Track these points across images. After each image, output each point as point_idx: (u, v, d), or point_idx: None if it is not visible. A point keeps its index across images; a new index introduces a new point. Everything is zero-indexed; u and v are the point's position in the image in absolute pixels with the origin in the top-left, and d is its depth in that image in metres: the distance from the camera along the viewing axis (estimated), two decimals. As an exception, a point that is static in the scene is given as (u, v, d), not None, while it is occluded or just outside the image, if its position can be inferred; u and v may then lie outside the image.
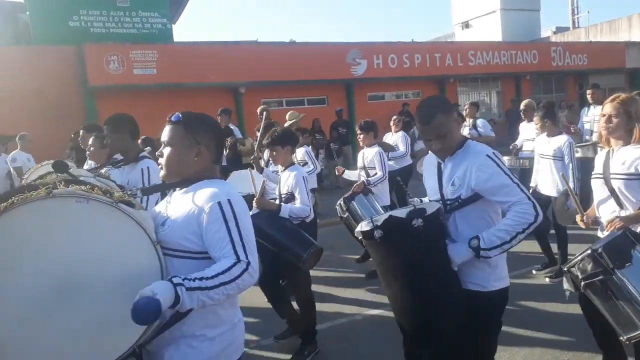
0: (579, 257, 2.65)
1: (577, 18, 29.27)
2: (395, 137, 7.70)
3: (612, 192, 2.97)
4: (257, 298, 5.08)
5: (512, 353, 3.91)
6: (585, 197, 4.98)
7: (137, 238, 1.74)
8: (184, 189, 1.96)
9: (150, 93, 13.33)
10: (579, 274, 2.64)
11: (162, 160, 1.99)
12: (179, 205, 1.91)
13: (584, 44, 22.77)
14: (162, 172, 2.01)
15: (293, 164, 4.24)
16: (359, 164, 6.03)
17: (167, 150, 1.98)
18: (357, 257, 6.42)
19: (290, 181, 4.04)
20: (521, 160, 6.85)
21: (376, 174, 5.75)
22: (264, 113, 8.71)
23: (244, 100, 14.90)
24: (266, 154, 5.41)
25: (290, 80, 15.36)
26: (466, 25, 28.98)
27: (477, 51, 18.90)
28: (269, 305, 4.25)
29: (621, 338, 2.55)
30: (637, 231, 2.78)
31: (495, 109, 20.32)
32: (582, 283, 2.63)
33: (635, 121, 2.94)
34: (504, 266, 2.58)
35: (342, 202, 5.14)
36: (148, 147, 4.87)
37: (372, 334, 4.49)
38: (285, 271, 4.13)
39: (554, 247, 5.61)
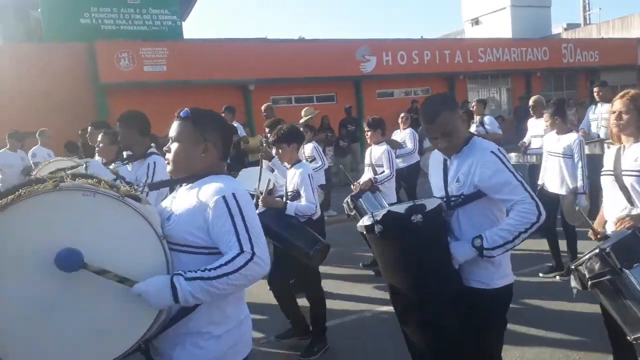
0: (587, 256, 2.63)
1: (589, 14, 29.00)
2: (403, 134, 7.68)
3: (623, 189, 2.94)
4: (264, 293, 5.13)
5: (522, 352, 3.89)
6: (593, 195, 4.96)
7: (143, 232, 1.75)
8: (190, 185, 1.98)
9: (160, 90, 13.41)
10: (586, 272, 2.62)
11: (169, 156, 2.01)
12: (184, 200, 1.92)
13: (596, 41, 22.58)
14: (169, 167, 2.03)
15: (299, 161, 4.24)
16: (366, 161, 6.02)
17: (174, 146, 2.00)
18: (366, 262, 6.35)
19: (296, 179, 4.05)
20: (529, 157, 6.82)
21: (384, 171, 5.74)
22: (268, 111, 8.77)
23: (253, 97, 14.94)
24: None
25: (299, 77, 15.39)
26: (476, 22, 28.80)
27: (487, 48, 18.81)
28: (270, 301, 4.26)
29: (628, 338, 2.54)
30: None
31: (505, 106, 20.22)
32: (590, 282, 2.62)
33: None
34: (508, 263, 2.57)
35: (349, 200, 5.13)
36: (152, 144, 4.90)
37: (381, 331, 4.50)
38: (294, 269, 4.15)
39: (562, 244, 5.57)
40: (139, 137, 3.83)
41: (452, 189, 2.53)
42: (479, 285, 2.48)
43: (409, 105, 15.08)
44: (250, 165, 8.36)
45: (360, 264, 6.22)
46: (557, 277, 5.39)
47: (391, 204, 5.40)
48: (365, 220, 2.48)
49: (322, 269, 5.40)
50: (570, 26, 29.17)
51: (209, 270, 1.73)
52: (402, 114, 7.87)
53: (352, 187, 5.49)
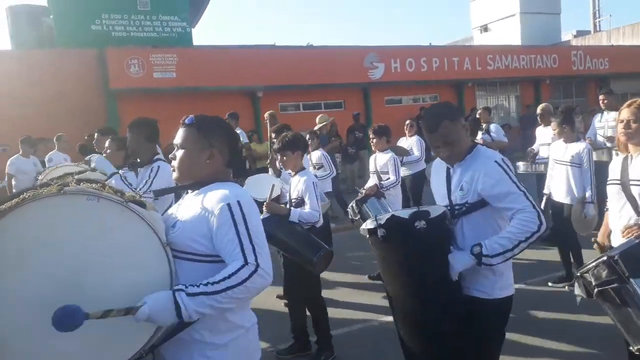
0: (594, 264, 2.61)
1: (599, 22, 28.80)
2: (409, 141, 7.65)
3: (630, 198, 2.91)
4: (270, 299, 5.14)
5: (528, 362, 3.87)
6: (601, 202, 4.92)
7: (147, 239, 1.74)
8: (196, 192, 1.97)
9: (169, 96, 13.49)
10: (592, 280, 2.59)
11: (174, 163, 2.01)
12: (189, 207, 1.91)
13: (606, 48, 22.44)
14: (174, 175, 2.02)
15: (303, 168, 4.25)
16: (371, 168, 6.04)
17: (180, 153, 1.99)
18: (372, 274, 6.31)
19: (300, 186, 4.06)
20: (537, 166, 6.78)
21: (389, 178, 5.74)
22: (271, 119, 8.81)
23: (261, 103, 15.00)
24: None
25: (308, 84, 15.42)
26: (485, 28, 28.73)
27: (496, 55, 18.74)
28: (278, 308, 4.25)
29: (631, 348, 2.52)
30: None
31: (514, 114, 20.12)
32: (595, 290, 2.59)
33: None
34: (510, 274, 2.56)
35: (354, 205, 5.14)
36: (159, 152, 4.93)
37: (388, 340, 4.47)
38: (296, 276, 4.15)
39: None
40: (145, 143, 3.87)
41: (456, 197, 2.53)
42: (480, 295, 2.48)
43: (417, 112, 15.06)
44: (253, 172, 8.39)
45: (367, 276, 6.20)
46: (567, 287, 5.34)
47: (395, 210, 5.41)
48: (369, 224, 2.49)
49: (330, 277, 5.41)
50: (580, 33, 29.00)
51: (212, 284, 1.71)
52: (408, 121, 7.85)
53: (359, 194, 5.49)
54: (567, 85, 21.28)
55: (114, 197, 1.70)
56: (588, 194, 5.07)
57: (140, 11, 14.78)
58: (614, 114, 5.91)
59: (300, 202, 4.07)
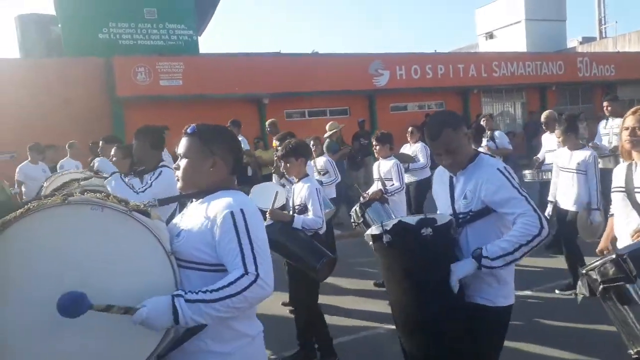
0: (600, 261, 2.59)
1: (605, 28, 28.73)
2: (414, 148, 7.61)
3: (636, 206, 2.90)
4: (275, 306, 5.13)
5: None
6: (608, 209, 4.90)
7: (151, 248, 1.74)
8: (200, 200, 1.97)
9: (176, 104, 13.58)
10: (598, 277, 2.57)
11: (178, 173, 2.01)
12: (193, 216, 1.91)
13: (612, 54, 22.39)
14: (179, 184, 2.03)
15: (307, 175, 4.27)
16: (375, 175, 6.06)
17: (183, 162, 2.00)
18: (378, 281, 6.28)
19: (303, 193, 4.07)
20: (543, 174, 6.76)
21: (393, 184, 5.76)
22: (272, 127, 8.85)
23: (267, 111, 15.06)
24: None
25: (313, 91, 15.48)
26: (490, 35, 28.73)
27: (502, 62, 18.76)
28: (283, 315, 4.24)
29: (630, 351, 2.51)
30: None
31: (520, 120, 20.09)
32: (600, 287, 2.58)
33: None
34: (512, 284, 2.56)
35: (357, 209, 5.16)
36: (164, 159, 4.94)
37: (394, 348, 4.46)
38: (301, 283, 4.16)
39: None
40: (151, 150, 3.91)
41: (459, 206, 2.54)
42: (483, 302, 2.48)
43: (422, 119, 15.06)
44: (260, 178, 8.40)
45: (373, 283, 6.20)
46: (573, 294, 5.31)
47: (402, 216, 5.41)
48: (374, 230, 2.49)
49: (336, 283, 5.39)
50: (586, 40, 28.95)
51: (211, 291, 1.70)
52: (410, 128, 7.78)
53: (361, 198, 5.50)
54: (573, 91, 21.23)
55: (118, 206, 1.71)
56: (594, 200, 5.05)
57: (147, 20, 14.92)
58: (618, 120, 5.90)
59: (303, 209, 4.07)
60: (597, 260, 2.58)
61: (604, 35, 28.28)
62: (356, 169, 12.43)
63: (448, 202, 2.62)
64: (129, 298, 1.67)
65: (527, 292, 5.45)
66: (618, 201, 3.03)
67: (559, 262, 5.68)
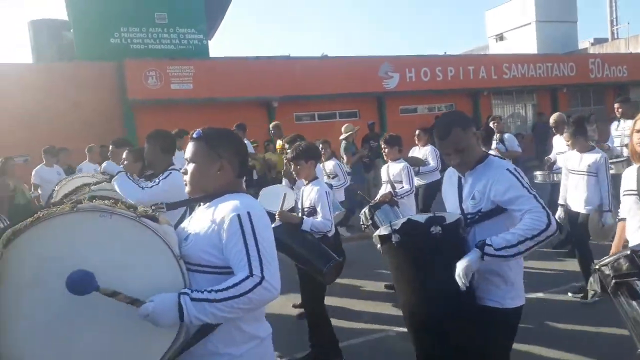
0: (614, 257, 2.57)
1: (617, 29, 28.50)
2: (423, 151, 7.56)
3: None
4: (285, 308, 5.15)
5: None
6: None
7: (160, 252, 1.76)
8: (208, 204, 1.99)
9: (186, 107, 13.66)
10: (611, 272, 2.56)
11: (186, 177, 2.04)
12: (201, 219, 1.93)
13: (624, 56, 22.18)
14: (187, 188, 2.05)
15: (316, 178, 4.28)
16: (384, 177, 6.02)
17: (190, 167, 2.02)
18: (388, 283, 6.28)
19: (312, 195, 4.09)
20: (554, 175, 6.71)
21: (402, 187, 5.74)
22: (275, 129, 8.87)
23: (276, 114, 15.10)
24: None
25: (322, 94, 15.50)
26: (500, 37, 28.58)
27: (512, 64, 18.67)
28: (292, 319, 4.24)
29: (639, 351, 2.49)
30: None
31: (531, 122, 19.96)
32: (612, 282, 2.56)
33: None
34: (521, 285, 2.56)
35: (366, 211, 5.15)
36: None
37: (404, 350, 4.46)
38: (305, 284, 4.17)
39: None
40: (161, 154, 3.94)
41: (467, 206, 2.55)
42: (491, 304, 2.48)
43: (432, 122, 15.01)
44: (269, 181, 8.43)
45: (384, 285, 6.19)
46: (587, 298, 5.28)
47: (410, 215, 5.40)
48: (382, 230, 2.49)
49: (348, 285, 5.38)
50: (598, 41, 28.73)
51: (216, 291, 1.72)
52: (417, 131, 7.70)
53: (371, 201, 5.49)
54: (585, 93, 21.07)
55: (126, 212, 1.74)
56: (606, 202, 5.02)
57: (158, 24, 15.04)
58: (630, 122, 5.85)
59: (312, 211, 4.09)
60: (611, 256, 2.56)
61: (615, 37, 28.05)
62: (366, 171, 12.43)
63: (456, 202, 2.62)
64: None
65: (539, 295, 5.42)
66: (629, 204, 3.00)
67: (571, 264, 5.65)
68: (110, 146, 5.83)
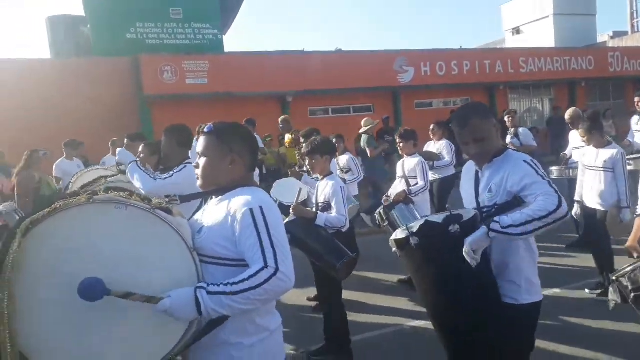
0: (630, 268, 2.55)
1: (637, 22, 27.97)
2: (438, 145, 7.49)
3: None
4: (300, 301, 5.17)
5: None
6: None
7: (174, 244, 1.78)
8: (220, 197, 2.01)
9: (201, 102, 13.74)
10: (629, 284, 2.53)
11: (198, 171, 2.06)
12: (214, 213, 1.95)
13: (644, 49, 21.79)
14: (199, 182, 2.07)
15: (331, 173, 4.27)
16: (399, 173, 5.96)
17: (202, 161, 2.05)
18: (402, 278, 6.24)
19: (327, 190, 4.08)
20: (571, 171, 6.63)
21: (417, 183, 5.69)
22: (284, 124, 8.86)
23: (291, 108, 15.12)
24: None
25: (337, 88, 15.48)
26: (517, 31, 28.21)
27: (529, 57, 18.44)
28: (305, 312, 4.25)
29: None
30: None
31: (548, 117, 19.74)
32: (632, 295, 2.53)
33: None
34: (537, 280, 2.53)
35: (381, 211, 5.11)
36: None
37: (414, 346, 4.46)
38: (319, 281, 4.18)
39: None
40: (177, 148, 3.97)
41: (484, 199, 2.52)
42: (508, 301, 2.46)
43: (448, 116, 14.91)
44: (283, 176, 8.44)
45: (397, 280, 6.19)
46: (596, 296, 5.22)
47: (425, 216, 5.36)
48: (399, 234, 2.47)
49: (363, 279, 5.40)
50: (617, 34, 28.22)
51: (232, 284, 1.74)
52: (432, 126, 7.64)
53: (382, 200, 5.46)
54: (604, 87, 20.74)
55: (141, 204, 1.76)
56: (623, 198, 4.95)
57: (173, 19, 15.13)
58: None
59: (326, 207, 4.08)
60: (628, 267, 2.53)
61: (636, 30, 27.53)
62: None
63: (473, 195, 2.61)
64: (153, 292, 1.71)
65: (556, 290, 5.37)
66: None
67: (588, 260, 5.58)
68: (125, 140, 5.89)
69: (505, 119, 8.41)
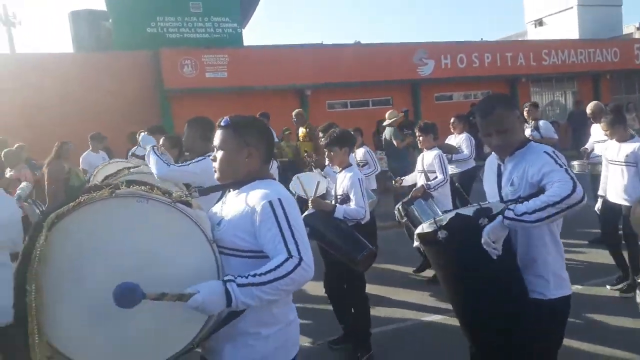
0: None
1: (664, 12, 27.24)
2: (458, 139, 7.43)
3: None
4: (311, 297, 5.19)
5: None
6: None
7: (194, 236, 1.82)
8: (238, 190, 2.05)
9: (221, 95, 13.82)
10: None
11: (215, 164, 2.10)
12: (233, 205, 1.99)
13: (672, 40, 21.26)
14: (216, 175, 2.10)
15: (350, 165, 4.27)
16: (418, 167, 5.91)
17: (219, 154, 2.08)
18: (417, 268, 6.26)
19: (346, 182, 4.08)
20: (592, 165, 6.52)
21: (436, 177, 5.65)
22: (298, 117, 8.84)
23: (309, 102, 15.12)
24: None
25: (355, 81, 15.43)
26: (540, 23, 27.70)
27: (552, 50, 18.14)
28: (322, 306, 4.28)
29: None
30: None
31: (572, 110, 19.41)
32: None
33: None
34: (565, 274, 2.49)
35: (400, 207, 5.08)
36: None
37: (431, 340, 4.46)
38: (343, 272, 4.19)
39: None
40: (198, 140, 4.00)
41: (507, 193, 2.49)
42: (536, 296, 2.41)
43: (468, 109, 14.76)
44: (294, 168, 8.46)
45: (412, 270, 6.18)
46: (607, 287, 5.20)
47: (445, 211, 5.31)
48: (426, 228, 2.43)
49: (373, 274, 5.40)
50: (644, 25, 27.58)
51: (259, 275, 1.76)
52: (452, 119, 7.57)
53: (393, 183, 5.41)
54: (629, 80, 20.30)
55: (162, 198, 1.80)
56: None
57: (193, 13, 15.22)
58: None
59: (345, 199, 4.08)
60: None
61: (663, 20, 26.82)
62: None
63: (495, 189, 2.58)
64: (174, 284, 1.74)
65: (577, 287, 5.30)
66: None
67: (607, 256, 5.49)
68: (145, 132, 5.96)
69: (524, 111, 8.26)
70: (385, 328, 4.69)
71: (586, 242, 6.75)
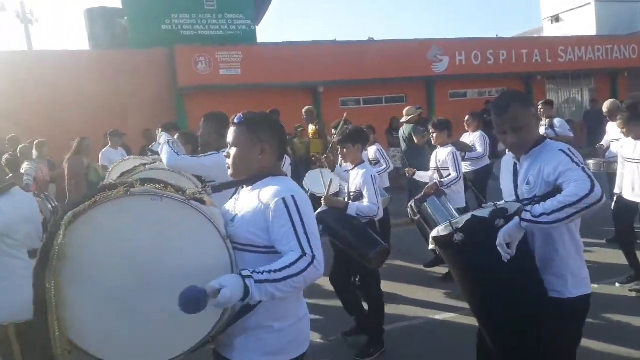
0: None
1: (685, 8, 26.75)
2: (472, 137, 7.37)
3: None
4: (322, 292, 5.20)
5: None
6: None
7: (208, 232, 1.85)
8: (251, 186, 2.07)
9: (235, 92, 13.87)
10: None
11: (229, 161, 2.12)
12: (246, 202, 2.01)
13: (692, 36, 20.86)
14: (230, 171, 2.12)
15: (363, 162, 4.27)
16: (432, 164, 5.87)
17: (233, 151, 2.10)
18: (427, 263, 6.27)
19: (358, 180, 4.08)
20: (608, 164, 6.44)
21: (449, 174, 5.62)
22: (308, 114, 8.82)
23: (322, 99, 15.11)
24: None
25: (369, 78, 15.38)
26: (556, 19, 27.38)
27: (568, 46, 17.90)
28: (333, 302, 4.30)
29: None
30: None
31: (588, 108, 19.16)
32: None
33: None
34: (584, 271, 2.46)
35: (413, 205, 5.06)
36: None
37: (443, 338, 4.45)
38: (356, 269, 4.19)
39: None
40: (213, 135, 4.01)
41: (523, 192, 2.47)
42: (554, 295, 2.40)
43: (482, 107, 14.65)
44: (306, 165, 8.47)
45: (423, 265, 6.17)
46: (634, 294, 5.10)
47: (457, 209, 5.28)
48: (441, 231, 2.41)
49: (386, 271, 5.41)
50: (663, 21, 27.08)
51: (274, 272, 1.78)
52: (467, 117, 7.49)
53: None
54: (648, 77, 19.96)
55: (175, 195, 1.83)
56: None
57: (207, 10, 15.28)
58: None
59: (358, 196, 4.09)
60: None
61: (683, 16, 26.33)
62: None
63: (512, 188, 2.56)
64: (189, 279, 1.75)
65: (594, 286, 5.25)
66: None
67: (622, 255, 5.43)
68: (159, 129, 6.01)
69: (539, 109, 8.15)
70: (397, 325, 4.70)
71: (603, 241, 6.68)
